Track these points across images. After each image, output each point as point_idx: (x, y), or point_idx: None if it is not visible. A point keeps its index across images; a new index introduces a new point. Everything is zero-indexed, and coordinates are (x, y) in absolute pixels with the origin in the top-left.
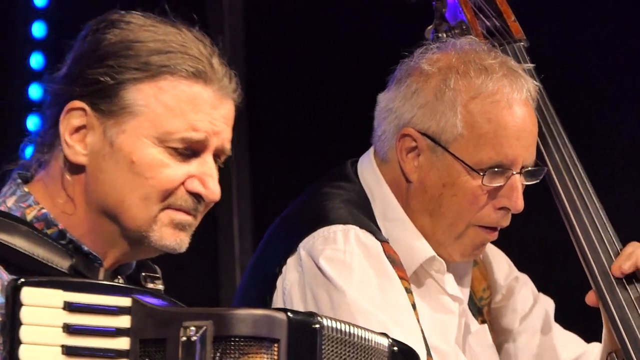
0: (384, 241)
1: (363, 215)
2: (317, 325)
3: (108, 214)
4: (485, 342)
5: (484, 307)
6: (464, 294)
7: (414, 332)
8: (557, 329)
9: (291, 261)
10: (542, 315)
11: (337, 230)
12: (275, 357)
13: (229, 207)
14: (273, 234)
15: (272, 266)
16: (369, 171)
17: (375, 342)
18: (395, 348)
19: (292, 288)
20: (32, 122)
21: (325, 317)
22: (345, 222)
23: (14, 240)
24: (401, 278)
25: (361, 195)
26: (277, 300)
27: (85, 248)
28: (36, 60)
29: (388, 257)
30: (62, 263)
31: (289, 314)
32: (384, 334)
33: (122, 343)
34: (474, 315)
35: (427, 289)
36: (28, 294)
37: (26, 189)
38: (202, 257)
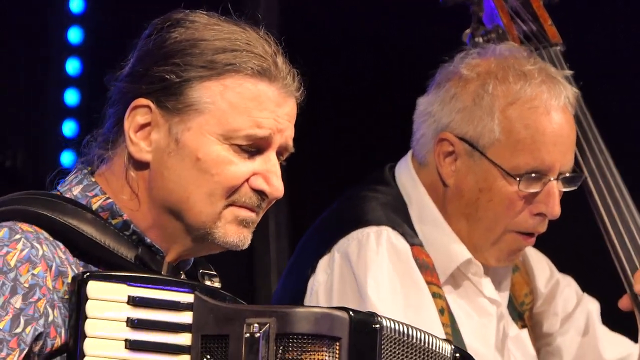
0: (416, 245)
1: (399, 218)
2: (378, 325)
3: (172, 211)
4: (526, 347)
5: (525, 312)
6: (502, 298)
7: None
8: (601, 329)
9: (323, 262)
10: (585, 316)
11: (370, 232)
12: (337, 355)
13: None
14: (309, 238)
15: (306, 269)
16: (406, 174)
17: (437, 345)
18: (458, 355)
19: (319, 288)
20: (69, 128)
21: (386, 317)
22: (378, 224)
23: (81, 225)
24: (430, 283)
25: (398, 199)
26: (306, 302)
27: (148, 240)
28: (72, 66)
29: (417, 260)
30: (128, 253)
31: (350, 312)
32: (447, 340)
33: (184, 338)
34: (514, 319)
35: (464, 292)
36: (93, 287)
37: (93, 179)
38: (237, 259)
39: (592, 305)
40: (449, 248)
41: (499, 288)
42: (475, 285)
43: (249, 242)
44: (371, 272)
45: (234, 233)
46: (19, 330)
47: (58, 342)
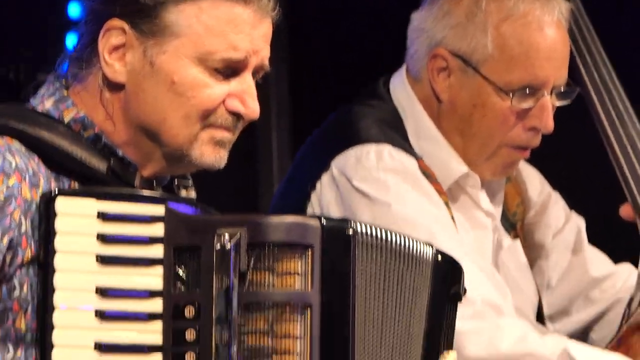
0: (418, 158)
1: (396, 134)
2: (351, 231)
3: (148, 132)
4: (518, 258)
5: (517, 223)
6: (496, 211)
7: (457, 242)
8: (588, 247)
9: (326, 179)
10: (574, 233)
11: (370, 150)
12: (309, 263)
13: (267, 124)
14: (306, 152)
15: (306, 182)
16: (401, 89)
17: (417, 250)
18: (440, 258)
19: (328, 205)
20: (71, 40)
21: (361, 223)
22: (377, 141)
23: (53, 138)
24: (439, 192)
25: (394, 114)
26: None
27: (120, 153)
28: None
29: (424, 173)
30: (100, 165)
31: (322, 220)
32: (428, 243)
33: (156, 251)
34: (506, 230)
35: (461, 205)
36: (62, 204)
37: (66, 93)
38: (240, 174)
39: (581, 222)
40: (447, 162)
41: (493, 201)
42: (472, 198)
43: (225, 161)
44: (377, 187)
45: (211, 153)
46: None
47: (28, 253)
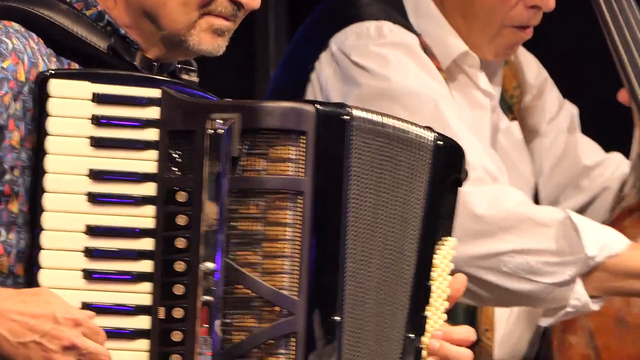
0: (418, 35)
1: (395, 12)
2: (347, 117)
3: (148, 14)
4: (515, 138)
5: (514, 105)
6: (495, 92)
7: (457, 115)
8: (580, 134)
9: (324, 57)
10: (568, 119)
11: (370, 27)
12: (303, 149)
13: (264, 5)
14: (305, 31)
15: (305, 62)
16: None
17: (415, 134)
18: (441, 142)
19: (327, 83)
20: None
21: (357, 107)
22: (377, 18)
23: (54, 16)
24: (438, 69)
25: None
26: (311, 96)
27: (123, 31)
28: None
29: (424, 49)
30: (101, 43)
31: (317, 105)
32: (429, 128)
33: (151, 134)
34: (504, 112)
35: (459, 85)
36: (55, 85)
37: None
38: (237, 58)
39: (574, 110)
40: (446, 41)
41: (492, 82)
42: (470, 77)
43: (224, 49)
44: (378, 61)
45: (209, 41)
46: None
47: (16, 135)
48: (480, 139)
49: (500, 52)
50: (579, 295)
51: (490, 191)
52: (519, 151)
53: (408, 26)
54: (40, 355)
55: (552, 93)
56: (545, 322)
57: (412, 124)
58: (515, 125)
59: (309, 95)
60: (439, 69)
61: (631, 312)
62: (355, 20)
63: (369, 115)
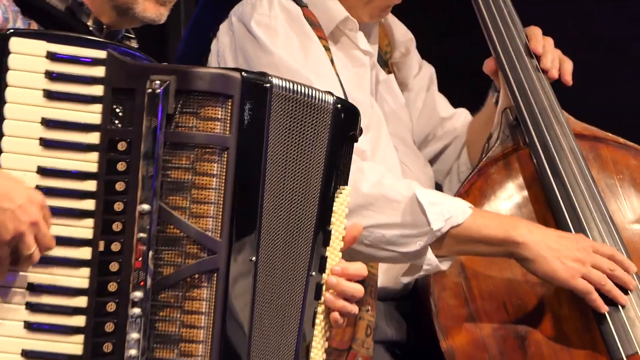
0: (303, 6)
1: None
2: (268, 85)
3: None
4: (394, 90)
5: (389, 60)
6: (372, 50)
7: (334, 87)
8: (437, 91)
9: (223, 27)
10: (428, 76)
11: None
12: (229, 111)
13: None
14: (206, 3)
15: (207, 32)
16: None
17: (320, 99)
18: (339, 105)
19: (224, 50)
20: None
21: (276, 77)
22: None
23: None
24: (320, 38)
25: None
26: (212, 63)
27: None
28: None
29: (308, 20)
30: (59, 4)
31: (243, 73)
32: (329, 93)
33: (97, 90)
34: (382, 67)
35: (342, 47)
36: (15, 43)
37: None
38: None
39: (432, 69)
40: (328, 7)
41: (369, 41)
42: (351, 39)
43: (166, 17)
44: (268, 32)
45: (152, 10)
46: None
47: None
48: (362, 93)
49: (374, 14)
50: (430, 261)
51: (353, 172)
52: (397, 101)
53: None
54: (13, 225)
55: (416, 52)
56: (405, 279)
57: (315, 89)
58: (392, 78)
59: (212, 63)
60: (322, 37)
61: None
62: None
63: (286, 84)
